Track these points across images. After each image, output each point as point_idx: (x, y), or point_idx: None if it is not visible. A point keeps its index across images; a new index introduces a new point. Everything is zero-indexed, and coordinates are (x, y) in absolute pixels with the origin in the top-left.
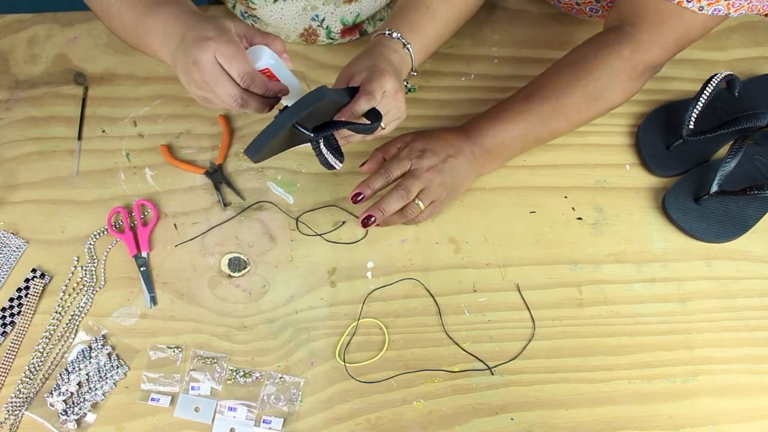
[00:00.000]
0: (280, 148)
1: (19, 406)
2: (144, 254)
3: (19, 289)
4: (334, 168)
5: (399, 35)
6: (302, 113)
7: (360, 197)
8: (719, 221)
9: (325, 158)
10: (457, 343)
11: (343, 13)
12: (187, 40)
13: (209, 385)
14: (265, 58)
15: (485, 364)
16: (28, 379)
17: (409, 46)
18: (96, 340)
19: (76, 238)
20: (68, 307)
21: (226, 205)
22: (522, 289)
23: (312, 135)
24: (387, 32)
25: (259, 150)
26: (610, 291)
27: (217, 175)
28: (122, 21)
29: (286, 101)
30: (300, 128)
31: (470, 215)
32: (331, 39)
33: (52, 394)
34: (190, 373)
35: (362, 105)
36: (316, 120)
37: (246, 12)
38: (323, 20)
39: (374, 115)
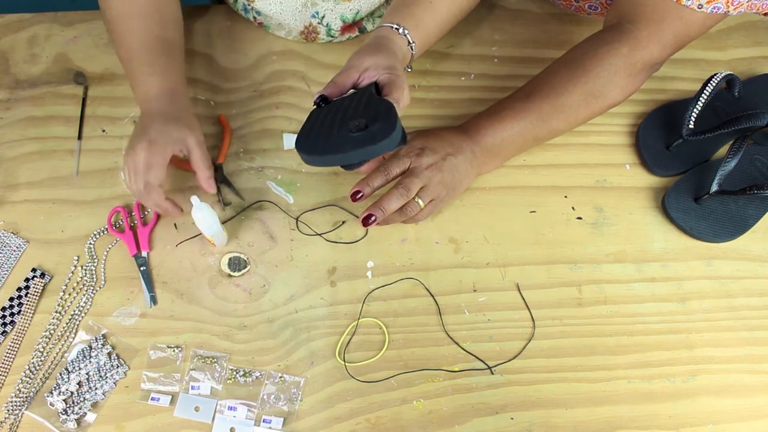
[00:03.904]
0: None
1: (19, 406)
2: (144, 254)
3: (19, 289)
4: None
5: (406, 32)
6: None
7: (359, 195)
8: (719, 221)
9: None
10: (457, 343)
11: (343, 10)
12: (142, 127)
13: (209, 384)
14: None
15: (485, 363)
16: (28, 379)
17: (413, 44)
18: (96, 339)
19: (76, 237)
20: (68, 306)
21: (226, 204)
22: (522, 289)
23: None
24: (395, 27)
25: (331, 164)
26: (610, 291)
27: (218, 175)
28: (126, 55)
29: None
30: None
31: (470, 215)
32: (331, 36)
33: (52, 393)
34: (190, 373)
35: None
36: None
37: (248, 5)
38: (323, 17)
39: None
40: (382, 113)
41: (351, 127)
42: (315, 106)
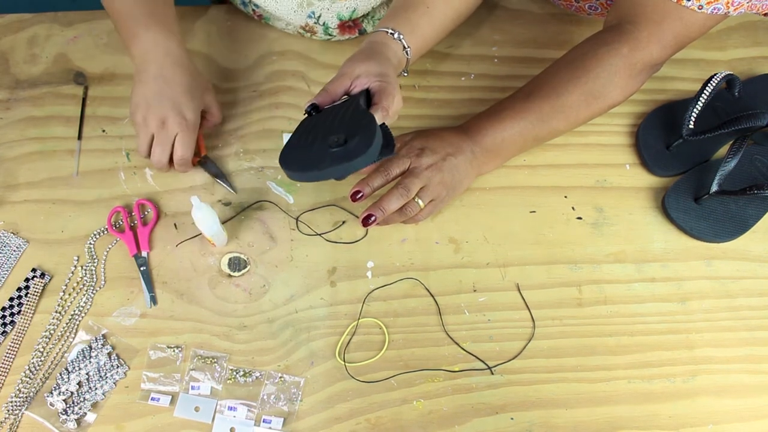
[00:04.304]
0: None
1: (19, 406)
2: (144, 254)
3: (19, 289)
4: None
5: (401, 37)
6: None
7: (359, 195)
8: (719, 221)
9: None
10: (457, 343)
11: (339, 8)
12: (165, 95)
13: (209, 384)
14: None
15: (485, 363)
16: (28, 379)
17: (408, 49)
18: (96, 339)
19: (76, 237)
20: (68, 306)
21: (232, 187)
22: (522, 289)
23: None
24: (390, 32)
25: (311, 180)
26: (610, 291)
27: (209, 166)
28: (118, 9)
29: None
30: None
31: (470, 215)
32: (329, 35)
33: (52, 393)
34: (190, 373)
35: (377, 119)
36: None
37: None
38: (319, 17)
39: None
40: (361, 128)
41: (330, 143)
42: (305, 115)
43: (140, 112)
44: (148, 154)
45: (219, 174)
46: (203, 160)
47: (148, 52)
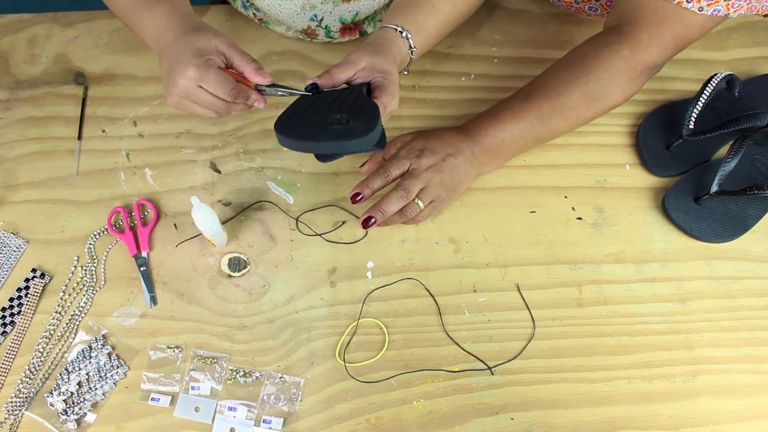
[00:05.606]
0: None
1: (19, 406)
2: (144, 254)
3: (19, 289)
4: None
5: (409, 36)
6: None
7: (359, 197)
8: (719, 221)
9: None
10: (457, 343)
11: (342, 12)
12: (171, 59)
13: (209, 385)
14: (194, 211)
15: (485, 364)
16: (28, 379)
17: (413, 49)
18: (96, 339)
19: (76, 238)
20: (68, 307)
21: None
22: (522, 289)
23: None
24: (398, 29)
25: (304, 150)
26: (610, 291)
27: (272, 88)
28: (121, 5)
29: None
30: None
31: (470, 215)
32: (330, 38)
33: (52, 393)
34: (190, 373)
35: None
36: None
37: (247, 1)
38: (322, 20)
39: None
40: (366, 113)
41: (332, 120)
42: (305, 91)
43: (171, 99)
44: (219, 110)
45: (286, 90)
46: (259, 87)
47: (158, 36)
